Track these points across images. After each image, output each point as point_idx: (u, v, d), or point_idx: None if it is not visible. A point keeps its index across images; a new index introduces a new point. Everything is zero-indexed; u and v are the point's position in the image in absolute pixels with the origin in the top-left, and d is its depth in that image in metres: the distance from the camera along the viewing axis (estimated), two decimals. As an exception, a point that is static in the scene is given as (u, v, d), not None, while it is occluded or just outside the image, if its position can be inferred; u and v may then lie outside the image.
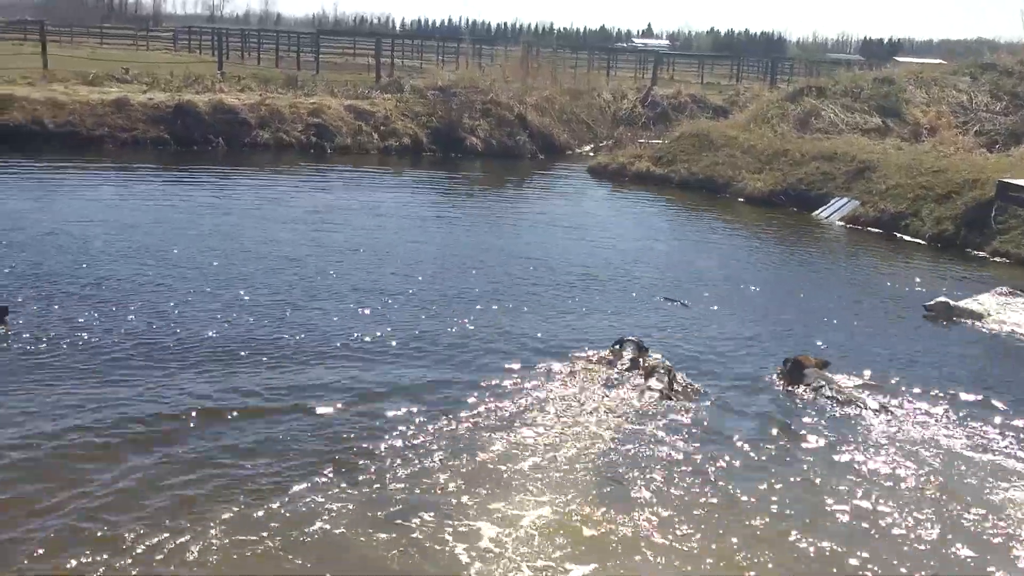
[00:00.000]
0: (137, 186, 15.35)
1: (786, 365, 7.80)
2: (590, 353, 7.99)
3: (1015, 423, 7.06)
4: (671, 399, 7.10)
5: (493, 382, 7.31)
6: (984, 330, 9.65)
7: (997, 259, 13.25)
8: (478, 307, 9.34)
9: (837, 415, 7.07)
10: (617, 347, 7.91)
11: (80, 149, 18.38)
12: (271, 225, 12.71)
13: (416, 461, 5.92)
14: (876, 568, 5.06)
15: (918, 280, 11.79)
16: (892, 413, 7.10)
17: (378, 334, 8.32)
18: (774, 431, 6.77)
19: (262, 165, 18.66)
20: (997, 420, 7.09)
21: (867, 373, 7.96)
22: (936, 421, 7.02)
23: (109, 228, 11.78)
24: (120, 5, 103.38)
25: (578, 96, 27.35)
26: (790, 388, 7.54)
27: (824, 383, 7.43)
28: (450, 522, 5.22)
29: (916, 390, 7.65)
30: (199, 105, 20.64)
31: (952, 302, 10.02)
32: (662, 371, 7.40)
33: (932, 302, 10.02)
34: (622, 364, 7.60)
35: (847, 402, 7.21)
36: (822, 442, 6.58)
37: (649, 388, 7.20)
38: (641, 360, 7.66)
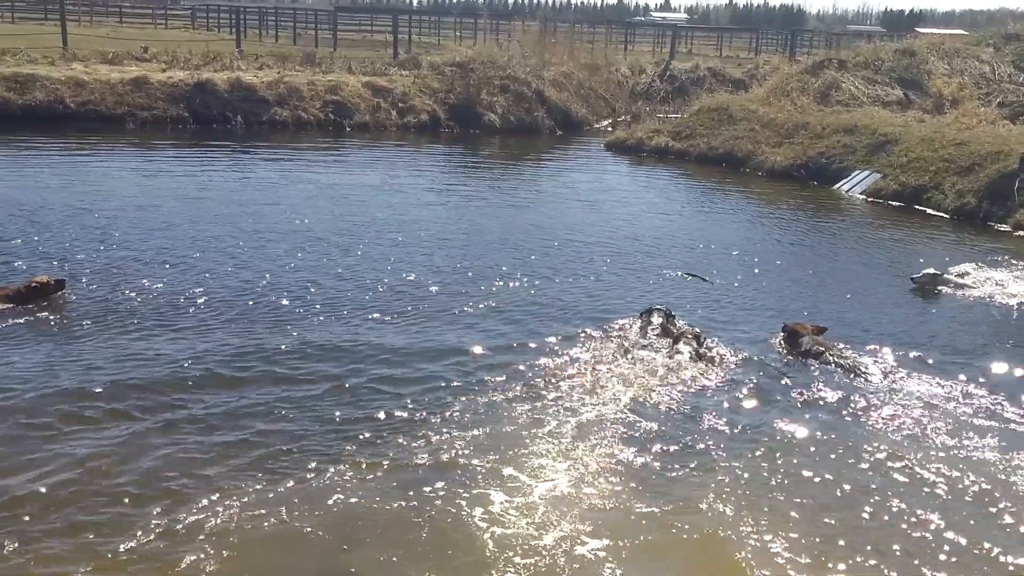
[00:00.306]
0: (158, 164, 15.46)
1: (784, 333, 7.90)
2: (618, 321, 8.09)
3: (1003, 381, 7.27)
4: (698, 362, 7.19)
5: (519, 351, 7.41)
6: (974, 298, 9.70)
7: (1020, 232, 13.11)
8: (502, 280, 9.40)
9: (840, 380, 7.17)
10: (645, 315, 7.99)
11: (101, 128, 18.53)
12: (292, 201, 12.77)
13: (438, 428, 6.00)
14: (895, 534, 5.12)
15: (939, 254, 11.70)
16: (891, 376, 7.22)
17: (401, 304, 8.42)
18: (786, 400, 6.81)
19: (280, 143, 18.73)
20: (994, 381, 7.26)
21: (882, 343, 7.98)
22: (931, 383, 7.14)
23: (132, 205, 11.91)
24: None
25: (596, 71, 27.22)
26: (792, 355, 7.64)
27: (823, 349, 7.52)
28: (465, 491, 5.29)
29: (915, 355, 7.77)
30: (218, 83, 20.73)
31: (940, 273, 10.03)
32: (690, 336, 7.49)
33: (919, 274, 10.02)
34: (652, 330, 7.70)
35: (849, 368, 7.32)
36: (831, 407, 6.65)
37: (677, 352, 7.28)
38: (669, 326, 7.74)
